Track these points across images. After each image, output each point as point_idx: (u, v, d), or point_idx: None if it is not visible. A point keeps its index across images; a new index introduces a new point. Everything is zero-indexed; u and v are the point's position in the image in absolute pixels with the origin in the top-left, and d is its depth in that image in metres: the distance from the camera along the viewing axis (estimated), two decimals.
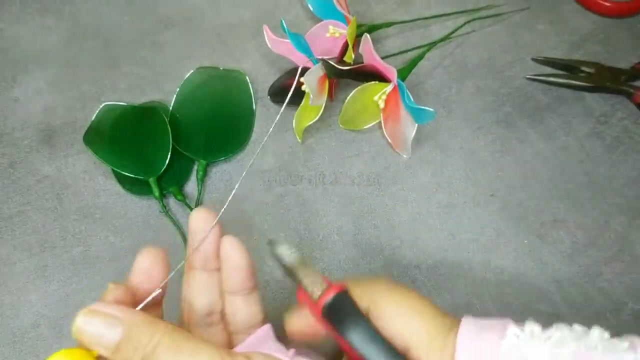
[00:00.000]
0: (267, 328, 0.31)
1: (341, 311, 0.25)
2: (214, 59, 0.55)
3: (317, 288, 0.27)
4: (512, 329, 0.26)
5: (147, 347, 0.26)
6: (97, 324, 0.26)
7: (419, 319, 0.28)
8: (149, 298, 0.29)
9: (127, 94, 0.53)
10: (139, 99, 0.52)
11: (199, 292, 0.32)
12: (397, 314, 0.28)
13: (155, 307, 0.31)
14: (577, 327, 0.26)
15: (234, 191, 0.32)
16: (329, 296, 0.26)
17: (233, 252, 0.31)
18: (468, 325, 0.27)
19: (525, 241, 0.47)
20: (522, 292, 0.45)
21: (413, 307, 0.29)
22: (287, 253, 0.28)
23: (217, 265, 0.32)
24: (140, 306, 0.28)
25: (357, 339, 0.25)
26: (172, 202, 0.48)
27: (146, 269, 0.30)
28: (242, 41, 0.56)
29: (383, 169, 0.50)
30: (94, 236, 0.47)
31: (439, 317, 0.28)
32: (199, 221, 0.31)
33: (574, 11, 0.58)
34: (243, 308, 0.32)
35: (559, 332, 0.26)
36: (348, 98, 0.50)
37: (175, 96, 0.52)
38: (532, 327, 0.26)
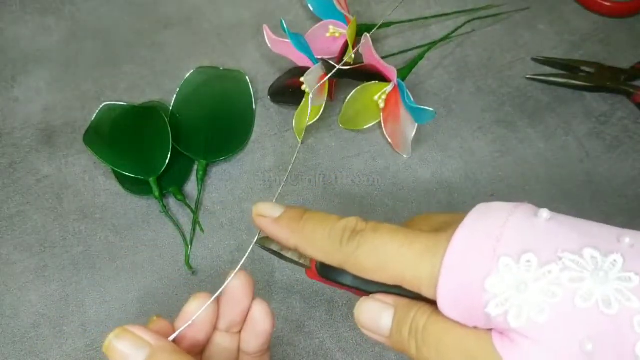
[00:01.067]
0: None
1: (330, 268, 0.29)
2: (214, 59, 0.55)
3: (304, 259, 0.31)
4: (504, 259, 0.23)
5: None
6: (126, 343, 0.28)
7: (406, 244, 0.26)
8: (179, 331, 0.30)
9: (127, 94, 0.53)
10: (139, 99, 0.52)
11: (219, 353, 0.33)
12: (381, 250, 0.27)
13: (196, 355, 0.32)
14: (588, 253, 0.23)
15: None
16: (316, 263, 0.30)
17: (264, 319, 0.32)
18: (453, 254, 0.24)
19: None
20: None
21: (394, 237, 0.27)
22: (273, 243, 0.32)
23: (241, 328, 0.33)
24: (172, 337, 0.29)
25: (352, 280, 0.29)
26: (172, 202, 0.48)
27: (194, 314, 0.31)
28: (242, 41, 0.56)
29: (383, 169, 0.50)
30: (94, 236, 0.47)
31: (429, 237, 0.26)
32: (198, 304, 0.31)
33: (574, 11, 0.58)
34: None
35: (562, 264, 0.22)
36: (348, 98, 0.50)
37: (175, 96, 0.52)
38: (529, 257, 0.23)
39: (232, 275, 0.31)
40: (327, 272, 0.30)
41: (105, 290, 0.45)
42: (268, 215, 0.30)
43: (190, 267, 0.46)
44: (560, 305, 0.22)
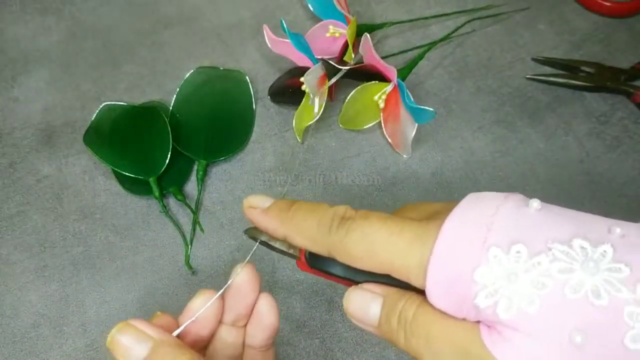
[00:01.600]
0: None
1: (319, 258, 0.29)
2: (214, 59, 0.55)
3: (293, 250, 0.31)
4: (493, 249, 0.23)
5: None
6: (128, 337, 0.27)
7: (395, 234, 0.26)
8: (183, 326, 0.30)
9: (127, 94, 0.53)
10: (139, 99, 0.52)
11: (224, 347, 0.32)
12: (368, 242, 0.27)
13: (200, 350, 0.32)
14: (577, 244, 0.22)
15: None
16: (304, 254, 0.30)
17: (269, 313, 0.32)
18: (442, 243, 0.24)
19: None
20: None
21: (383, 226, 0.26)
22: (263, 234, 0.31)
23: (246, 321, 0.33)
24: (176, 333, 0.30)
25: (341, 270, 0.29)
26: (172, 202, 0.48)
27: (199, 310, 0.31)
28: (242, 41, 0.56)
29: (383, 169, 0.50)
30: (94, 236, 0.47)
31: (419, 225, 0.26)
32: (203, 301, 0.31)
33: (574, 11, 0.58)
34: None
35: (552, 255, 0.22)
36: (348, 98, 0.50)
37: (175, 96, 0.52)
38: (519, 247, 0.23)
39: (238, 270, 0.31)
40: (315, 262, 0.29)
41: (105, 290, 0.45)
42: (258, 206, 0.30)
43: (190, 267, 0.46)
44: (550, 296, 0.22)
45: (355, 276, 0.28)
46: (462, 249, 0.24)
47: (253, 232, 0.32)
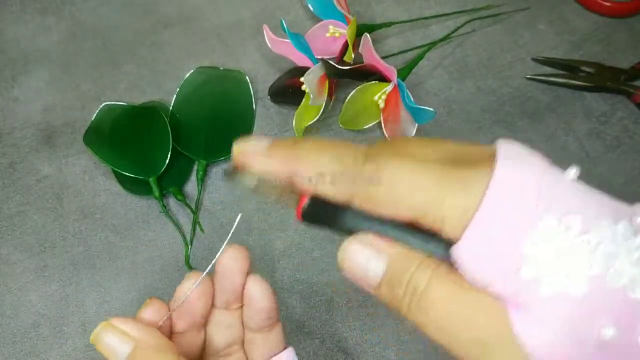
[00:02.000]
0: (288, 353, 0.32)
1: (321, 210, 0.24)
2: (214, 59, 0.55)
3: (285, 197, 0.26)
4: (548, 219, 0.21)
5: None
6: (111, 337, 0.28)
7: (424, 175, 0.22)
8: (165, 317, 0.30)
9: (127, 94, 0.53)
10: (139, 99, 0.52)
11: (219, 330, 0.32)
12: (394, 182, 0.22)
13: (197, 329, 0.32)
14: (621, 228, 0.21)
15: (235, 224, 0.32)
16: (304, 202, 0.25)
17: (258, 295, 0.31)
18: (495, 194, 0.21)
19: None
20: None
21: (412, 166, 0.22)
22: (247, 178, 0.26)
23: (240, 304, 0.32)
24: (161, 322, 0.30)
25: (348, 222, 0.24)
26: (172, 202, 0.48)
27: (186, 294, 0.31)
28: (242, 41, 0.56)
29: None
30: (94, 236, 0.47)
31: (458, 170, 0.22)
32: (190, 283, 0.31)
33: (574, 11, 0.58)
34: (264, 343, 0.32)
35: (601, 235, 0.21)
36: (348, 98, 0.50)
37: (175, 96, 0.52)
38: (571, 221, 0.21)
39: (222, 248, 0.30)
40: (315, 215, 0.24)
41: (105, 290, 0.45)
42: (254, 148, 0.25)
43: (190, 267, 0.46)
44: (594, 279, 0.20)
45: (362, 229, 0.24)
46: (515, 209, 0.21)
47: (234, 176, 0.26)
